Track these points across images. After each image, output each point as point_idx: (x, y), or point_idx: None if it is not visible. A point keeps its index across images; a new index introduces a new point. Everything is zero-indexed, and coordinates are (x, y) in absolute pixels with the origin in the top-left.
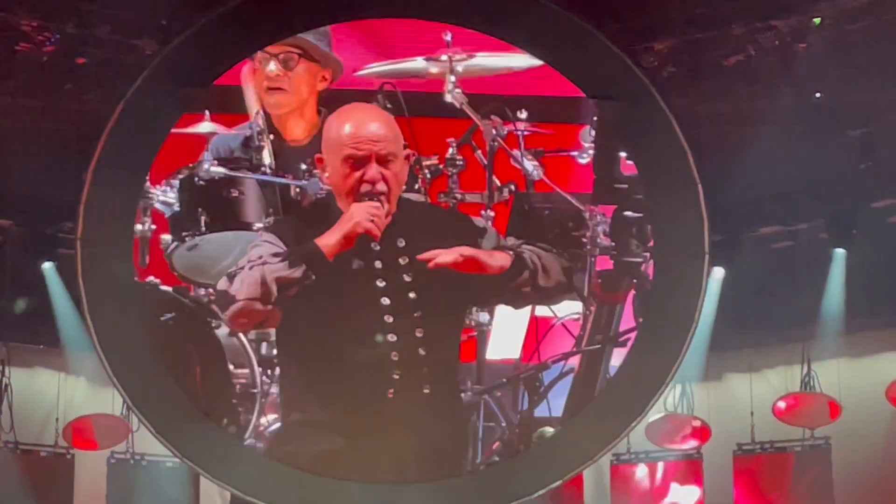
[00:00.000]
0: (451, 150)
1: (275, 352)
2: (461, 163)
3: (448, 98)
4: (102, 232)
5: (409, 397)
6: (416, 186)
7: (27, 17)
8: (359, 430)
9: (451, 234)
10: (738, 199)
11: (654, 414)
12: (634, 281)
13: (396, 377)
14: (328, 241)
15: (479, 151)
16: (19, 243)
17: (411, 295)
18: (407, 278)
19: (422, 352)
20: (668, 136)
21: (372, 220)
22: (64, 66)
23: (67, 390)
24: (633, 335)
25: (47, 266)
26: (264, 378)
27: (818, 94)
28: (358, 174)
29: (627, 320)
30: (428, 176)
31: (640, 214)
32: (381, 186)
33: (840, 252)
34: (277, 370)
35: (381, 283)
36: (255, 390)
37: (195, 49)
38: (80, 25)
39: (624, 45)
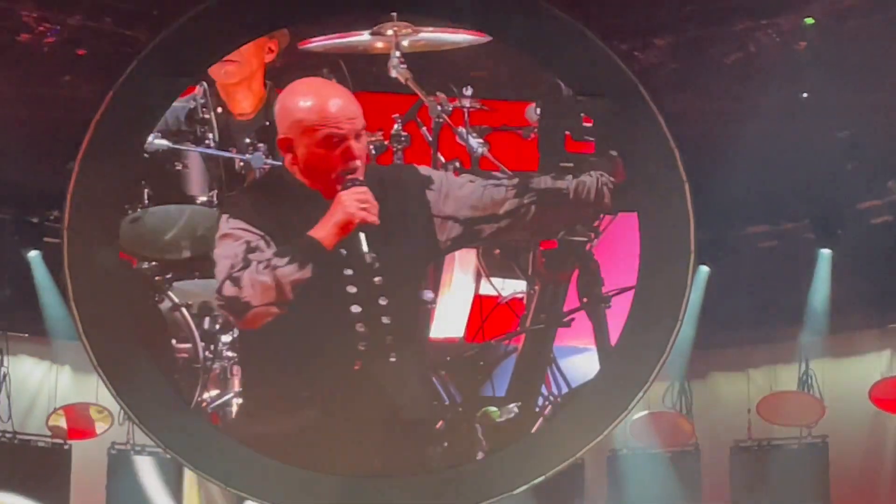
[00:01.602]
0: (396, 126)
1: (217, 326)
2: (406, 139)
3: (393, 73)
4: (89, 221)
5: (375, 368)
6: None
7: (28, 7)
8: (328, 402)
9: (399, 190)
10: (725, 198)
11: (640, 411)
12: (579, 261)
13: (362, 348)
14: (325, 233)
15: (425, 128)
16: (5, 231)
17: (374, 265)
18: (365, 245)
19: (385, 320)
20: (656, 134)
21: (364, 208)
22: (64, 57)
23: (52, 379)
24: (577, 315)
25: (33, 254)
26: (207, 353)
27: (805, 94)
28: (336, 153)
29: (572, 300)
30: (373, 152)
31: None
32: (358, 163)
33: (826, 252)
34: (223, 345)
35: (343, 252)
36: (197, 365)
37: (186, 39)
38: (81, 17)
39: (624, 41)
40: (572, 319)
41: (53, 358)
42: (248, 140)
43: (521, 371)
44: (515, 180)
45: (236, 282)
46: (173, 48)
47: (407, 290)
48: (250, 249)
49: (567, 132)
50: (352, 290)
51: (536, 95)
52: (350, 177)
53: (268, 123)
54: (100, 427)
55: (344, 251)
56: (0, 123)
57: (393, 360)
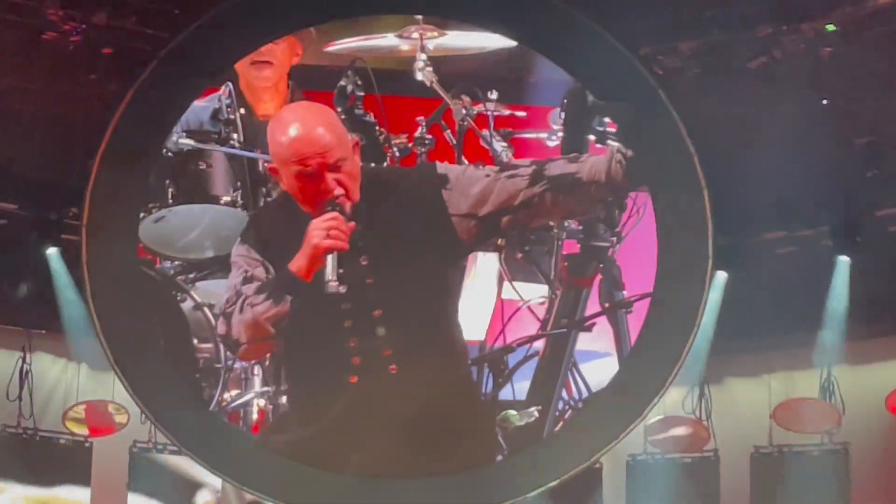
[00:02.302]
0: (420, 129)
1: None
2: (430, 142)
3: (419, 76)
4: (107, 219)
5: (373, 381)
6: (385, 165)
7: (54, 5)
8: (326, 419)
9: (409, 193)
10: (743, 204)
11: (655, 416)
12: (601, 265)
13: (357, 363)
14: (300, 264)
15: (449, 131)
16: (23, 227)
17: (368, 281)
18: (364, 262)
19: (380, 332)
20: (675, 139)
21: (329, 236)
22: (90, 55)
23: (69, 376)
24: (598, 320)
25: (51, 251)
26: (228, 353)
27: (824, 101)
28: (312, 187)
29: (593, 305)
30: (397, 154)
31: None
32: (338, 191)
33: (844, 259)
34: None
35: (339, 271)
36: (218, 365)
37: (207, 39)
38: (107, 16)
39: (647, 45)
40: (594, 324)
41: (70, 355)
42: None
43: (542, 375)
44: (531, 168)
45: (227, 319)
46: (194, 48)
47: (415, 296)
48: (246, 281)
49: (591, 137)
50: (346, 306)
51: (560, 100)
52: (329, 201)
53: None
54: (118, 424)
55: (341, 269)
56: (22, 121)
57: (393, 371)
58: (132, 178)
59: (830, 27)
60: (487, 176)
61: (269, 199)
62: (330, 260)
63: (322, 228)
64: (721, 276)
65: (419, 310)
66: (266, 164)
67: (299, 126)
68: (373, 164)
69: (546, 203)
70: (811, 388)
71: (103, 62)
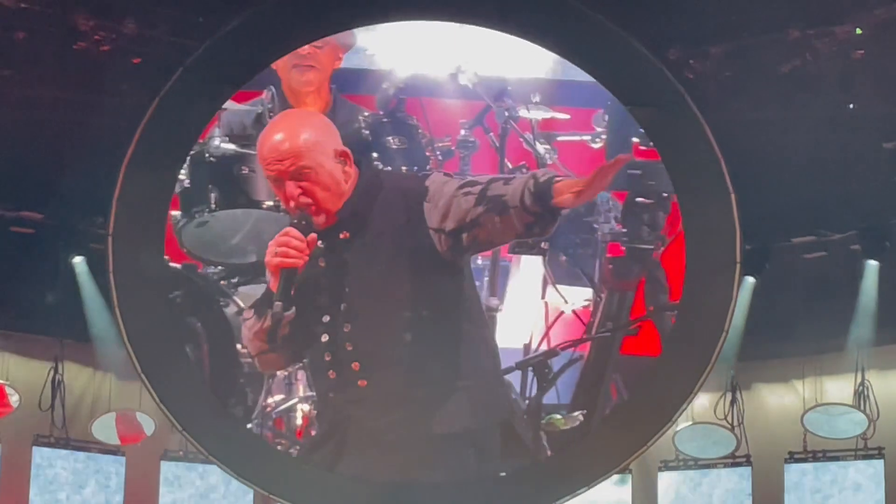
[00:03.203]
0: (463, 132)
1: None
2: (473, 145)
3: (462, 80)
4: (134, 228)
5: (345, 396)
6: (428, 167)
7: (85, 16)
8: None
9: (394, 204)
10: (771, 209)
11: (684, 422)
12: (646, 268)
13: (332, 376)
14: (271, 280)
15: (492, 134)
16: (50, 237)
17: (346, 290)
18: (341, 274)
19: (348, 347)
20: (702, 144)
21: (277, 254)
22: (120, 64)
23: (96, 385)
24: (643, 323)
25: (78, 260)
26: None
27: (851, 105)
28: (280, 192)
29: (638, 308)
30: (440, 157)
31: (652, 201)
32: (303, 199)
33: (872, 264)
34: None
35: (324, 282)
36: None
37: (231, 48)
38: (136, 26)
39: (678, 49)
40: (639, 328)
41: (97, 364)
42: None
43: (587, 379)
44: (479, 187)
45: (241, 336)
46: (219, 56)
47: (391, 308)
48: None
49: (635, 139)
50: (325, 318)
51: (603, 103)
52: (300, 211)
53: None
54: (147, 432)
55: (326, 281)
56: (50, 130)
57: (362, 385)
58: (158, 187)
59: (859, 31)
60: (457, 189)
61: None
62: (282, 277)
63: (273, 246)
64: (749, 281)
65: (391, 322)
66: None
67: (267, 132)
68: (385, 169)
69: (492, 223)
70: (841, 393)
71: (133, 71)
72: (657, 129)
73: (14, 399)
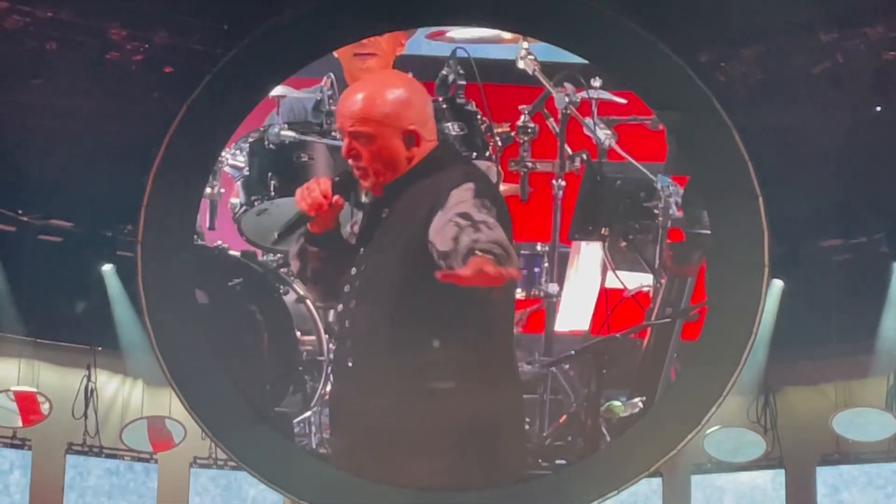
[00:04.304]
0: (523, 118)
1: None
2: (533, 130)
3: (521, 65)
4: (163, 235)
5: (337, 370)
6: (487, 153)
7: (117, 26)
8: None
9: (417, 202)
10: (799, 212)
11: (713, 426)
12: (706, 254)
13: (333, 347)
14: None
15: (552, 119)
16: (79, 245)
17: (363, 267)
18: (370, 247)
19: (347, 323)
20: (730, 147)
21: (300, 196)
22: (152, 74)
23: (125, 392)
24: (703, 309)
25: (107, 268)
26: (330, 345)
27: (878, 108)
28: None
29: (699, 294)
30: (499, 143)
31: None
32: (360, 163)
33: None
34: None
35: (353, 252)
36: (321, 357)
37: (258, 55)
38: (168, 35)
39: (710, 52)
40: (699, 314)
41: (127, 371)
42: None
43: (646, 365)
44: (467, 224)
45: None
46: (246, 64)
47: (390, 297)
48: None
49: None
50: (346, 288)
51: None
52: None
53: None
54: (177, 439)
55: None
56: (81, 139)
57: (350, 365)
58: (186, 194)
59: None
60: (455, 215)
61: None
62: (295, 215)
63: (300, 189)
64: (778, 285)
65: (386, 312)
66: None
67: (353, 88)
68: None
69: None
70: (871, 395)
71: (165, 80)
72: (685, 133)
73: (45, 407)
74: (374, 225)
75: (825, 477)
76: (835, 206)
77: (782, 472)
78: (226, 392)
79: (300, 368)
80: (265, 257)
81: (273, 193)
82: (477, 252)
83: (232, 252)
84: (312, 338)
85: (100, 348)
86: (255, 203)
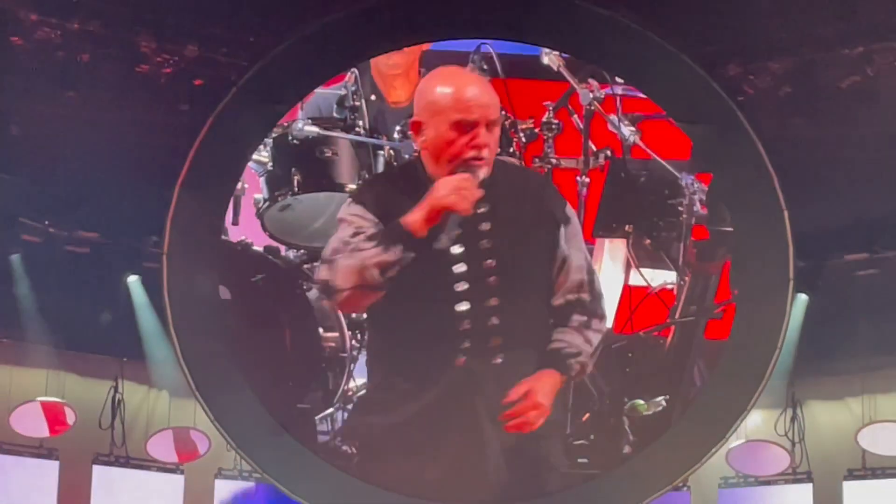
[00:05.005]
0: (547, 114)
1: (364, 315)
2: (557, 126)
3: (545, 60)
4: (188, 246)
5: (478, 367)
6: (511, 150)
7: (147, 39)
8: (428, 398)
9: (535, 204)
10: (824, 225)
11: (737, 440)
12: (730, 251)
13: (467, 346)
14: (414, 217)
15: (576, 115)
16: (105, 256)
17: (489, 262)
18: (486, 244)
19: (495, 321)
20: (755, 160)
21: (457, 193)
22: (181, 86)
23: (150, 403)
24: (727, 307)
25: (132, 279)
26: (353, 342)
27: None
28: (464, 139)
29: (723, 292)
30: (523, 139)
31: None
32: (485, 153)
33: None
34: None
35: (458, 250)
36: (343, 354)
37: (284, 67)
38: (198, 48)
39: (738, 65)
40: (724, 311)
41: (152, 382)
42: (398, 127)
43: (670, 363)
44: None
45: (330, 265)
46: (272, 76)
47: (527, 294)
48: (355, 235)
49: None
50: (462, 286)
51: None
52: (474, 163)
53: None
54: (202, 449)
55: (462, 248)
56: (110, 151)
57: (499, 361)
58: (212, 206)
59: None
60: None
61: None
62: (451, 220)
63: (451, 184)
64: (802, 299)
65: (531, 306)
66: (411, 120)
67: (467, 79)
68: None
69: None
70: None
71: (194, 93)
72: (710, 145)
73: (70, 417)
74: (476, 221)
75: (852, 491)
76: (860, 221)
77: (810, 486)
78: (250, 403)
79: (322, 365)
80: (288, 253)
81: (297, 189)
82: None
83: (255, 247)
84: (335, 334)
85: (125, 359)
86: (279, 199)
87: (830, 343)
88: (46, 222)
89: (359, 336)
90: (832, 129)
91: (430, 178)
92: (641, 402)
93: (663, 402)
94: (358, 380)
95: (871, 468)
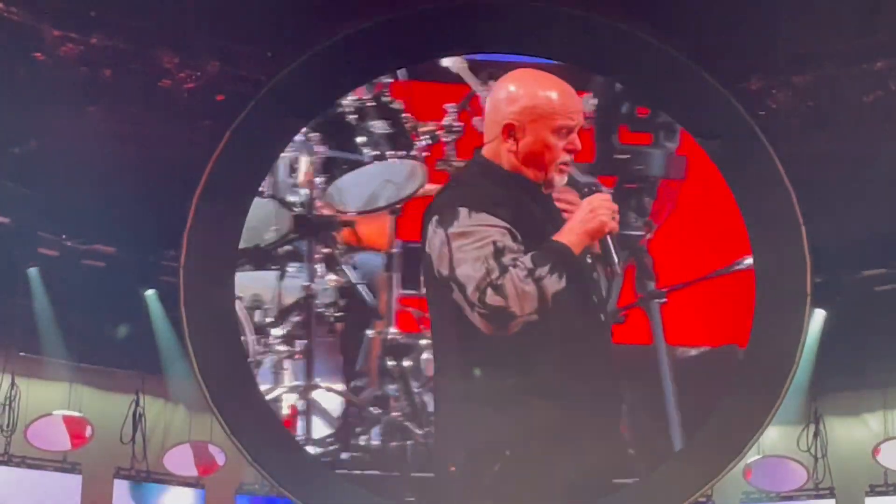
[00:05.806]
0: (448, 117)
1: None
2: (459, 129)
3: (445, 62)
4: (205, 260)
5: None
6: (413, 153)
7: (170, 54)
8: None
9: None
10: (841, 241)
11: (753, 455)
12: (632, 255)
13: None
14: (574, 239)
15: (477, 118)
16: (122, 270)
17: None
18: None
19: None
20: (773, 175)
21: (614, 218)
22: (204, 101)
23: (167, 417)
24: (631, 311)
25: (149, 293)
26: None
27: None
28: (562, 143)
29: (626, 296)
30: (426, 142)
31: (639, 186)
32: (569, 157)
33: None
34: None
35: (588, 259)
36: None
37: (300, 83)
38: (219, 64)
39: (761, 80)
40: (627, 315)
41: (168, 395)
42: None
43: None
44: None
45: (499, 290)
46: (289, 91)
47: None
48: (498, 251)
49: (623, 124)
50: (595, 299)
51: (591, 86)
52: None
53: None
54: (220, 462)
55: (589, 258)
56: (129, 166)
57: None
58: (229, 220)
59: None
60: None
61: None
62: (611, 243)
63: (606, 205)
64: (820, 314)
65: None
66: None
67: (564, 84)
68: None
69: None
70: None
71: (216, 108)
72: (728, 161)
73: (88, 431)
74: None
75: None
76: (878, 236)
77: (832, 501)
78: (266, 417)
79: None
80: None
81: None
82: None
83: None
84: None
85: (144, 373)
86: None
87: (848, 358)
88: (64, 236)
89: (264, 341)
90: (853, 143)
91: (520, 176)
92: None
93: None
94: (262, 385)
95: (893, 484)
